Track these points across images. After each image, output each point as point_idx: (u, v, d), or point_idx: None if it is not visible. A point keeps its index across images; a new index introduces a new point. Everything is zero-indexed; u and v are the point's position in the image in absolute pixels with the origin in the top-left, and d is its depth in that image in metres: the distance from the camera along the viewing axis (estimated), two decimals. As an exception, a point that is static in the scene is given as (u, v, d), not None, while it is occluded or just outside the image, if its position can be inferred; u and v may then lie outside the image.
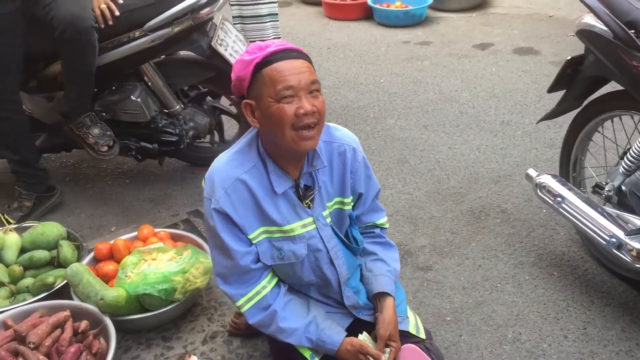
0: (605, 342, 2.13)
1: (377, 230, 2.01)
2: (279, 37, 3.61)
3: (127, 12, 2.70)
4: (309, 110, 1.59)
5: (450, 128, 3.73)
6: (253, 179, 1.73)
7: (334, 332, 1.77)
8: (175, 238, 2.60)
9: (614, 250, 2.16)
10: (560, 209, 2.37)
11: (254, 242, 1.76)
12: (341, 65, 4.87)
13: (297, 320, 1.77)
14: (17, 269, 2.47)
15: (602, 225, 2.21)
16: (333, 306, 1.94)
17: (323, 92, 4.51)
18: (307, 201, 1.79)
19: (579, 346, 2.12)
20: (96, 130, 2.88)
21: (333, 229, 1.86)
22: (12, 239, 2.56)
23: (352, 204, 1.91)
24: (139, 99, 2.92)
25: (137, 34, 2.73)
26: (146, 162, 3.34)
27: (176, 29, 2.76)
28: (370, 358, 1.74)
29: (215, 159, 1.79)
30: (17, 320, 2.15)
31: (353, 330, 1.95)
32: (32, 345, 2.02)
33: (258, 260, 1.79)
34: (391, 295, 1.85)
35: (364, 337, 1.83)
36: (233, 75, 1.68)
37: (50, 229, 2.61)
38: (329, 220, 1.84)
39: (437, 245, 2.70)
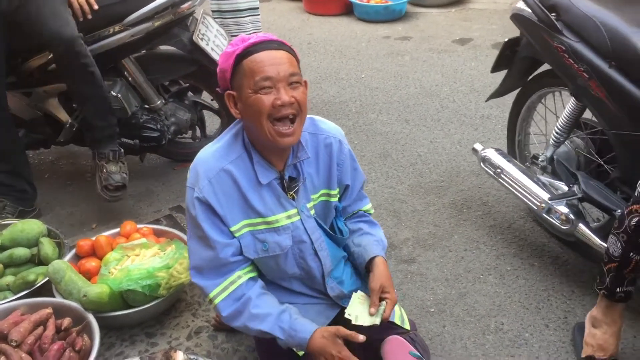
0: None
1: (361, 212, 2.04)
2: (259, 31, 3.59)
3: (107, 6, 2.67)
4: (287, 101, 1.60)
5: (432, 122, 3.75)
6: (238, 169, 1.73)
7: (307, 321, 1.76)
8: (158, 234, 2.58)
9: (544, 215, 2.37)
10: (500, 179, 2.57)
11: (236, 234, 1.76)
12: (322, 60, 4.87)
13: (270, 308, 1.76)
14: (-3, 267, 2.44)
15: (534, 192, 2.41)
16: (317, 297, 1.95)
17: (304, 87, 4.45)
18: (291, 193, 1.80)
19: (560, 335, 2.16)
20: (113, 168, 2.78)
21: (317, 221, 1.87)
22: (-9, 237, 2.53)
23: (338, 195, 1.92)
24: (119, 95, 2.88)
25: (116, 28, 2.70)
26: (127, 158, 3.30)
27: (157, 23, 2.74)
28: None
29: (201, 150, 1.80)
30: (-2, 318, 2.12)
31: (341, 323, 1.96)
32: (14, 344, 2.00)
33: (237, 253, 1.78)
34: (381, 256, 1.87)
35: (357, 296, 1.83)
36: (218, 68, 1.70)
37: (30, 226, 2.57)
38: (312, 212, 1.85)
39: (420, 238, 2.72)
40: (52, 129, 2.99)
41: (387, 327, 1.94)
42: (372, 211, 2.05)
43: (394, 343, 1.92)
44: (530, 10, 2.33)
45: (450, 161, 3.30)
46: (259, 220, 1.77)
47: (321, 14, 6.01)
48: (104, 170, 2.78)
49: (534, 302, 2.31)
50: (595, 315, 2.02)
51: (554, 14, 2.24)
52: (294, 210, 1.80)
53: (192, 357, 1.88)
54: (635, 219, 1.82)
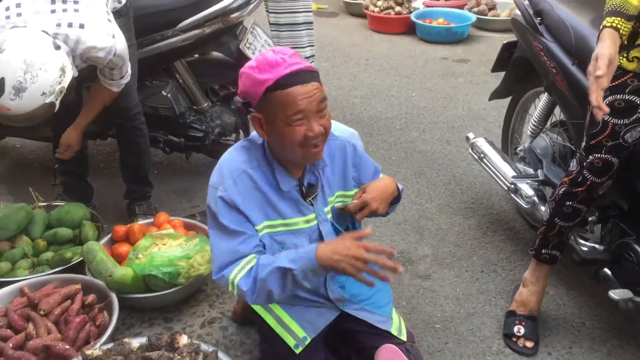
0: (588, 362, 2.16)
1: None
2: (313, 46, 3.72)
3: (163, 12, 2.88)
4: (318, 133, 1.68)
5: (473, 145, 3.77)
6: (258, 175, 1.80)
7: (307, 251, 1.74)
8: (188, 227, 2.74)
9: (512, 195, 2.66)
10: (482, 163, 2.91)
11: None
12: (376, 77, 4.96)
13: (274, 256, 1.78)
14: (41, 243, 2.66)
15: (505, 173, 2.74)
16: (319, 301, 2.02)
17: (354, 102, 4.66)
18: (309, 199, 1.88)
19: (561, 364, 2.15)
20: (140, 219, 2.91)
21: (332, 224, 1.95)
22: (40, 215, 2.76)
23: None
24: (169, 95, 3.09)
25: (170, 32, 2.91)
26: (175, 155, 3.51)
27: (207, 30, 2.93)
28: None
29: (225, 153, 1.88)
30: (33, 289, 2.32)
31: (340, 328, 2.05)
32: (42, 312, 2.20)
33: (260, 247, 1.83)
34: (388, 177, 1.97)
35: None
36: (241, 87, 1.72)
37: (76, 209, 2.80)
38: (329, 216, 1.93)
39: (439, 255, 2.76)
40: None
41: (383, 337, 2.00)
42: None
43: (388, 351, 1.97)
44: (521, 15, 2.62)
45: (484, 184, 3.32)
46: (278, 222, 1.85)
47: (384, 32, 6.09)
48: (133, 215, 3.00)
49: (541, 330, 2.30)
50: (525, 275, 2.34)
51: (538, 18, 2.51)
52: (312, 215, 1.88)
53: (195, 342, 2.00)
54: (563, 189, 2.13)
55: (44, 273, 2.45)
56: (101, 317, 2.23)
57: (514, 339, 2.24)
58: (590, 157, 2.02)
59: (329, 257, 1.66)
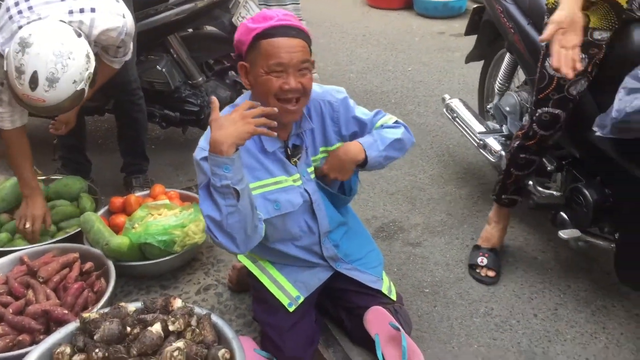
0: (572, 323, 2.21)
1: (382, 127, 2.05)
2: (301, 20, 3.74)
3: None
4: (293, 87, 1.73)
5: (467, 117, 3.80)
6: None
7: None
8: (183, 198, 2.79)
9: (481, 150, 2.84)
10: (455, 122, 3.09)
11: None
12: (373, 51, 4.98)
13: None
14: (41, 215, 2.71)
15: (474, 129, 2.91)
16: (312, 261, 2.07)
17: (350, 76, 4.69)
18: (294, 159, 1.93)
19: (546, 325, 2.21)
20: (137, 191, 2.95)
21: (317, 183, 1.99)
22: (39, 188, 2.81)
23: None
24: (164, 69, 3.13)
25: (163, 7, 2.94)
26: (171, 130, 3.56)
27: (200, 4, 2.96)
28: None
29: None
30: (33, 258, 2.38)
31: (332, 288, 2.11)
32: (41, 280, 2.26)
33: None
34: (357, 142, 1.95)
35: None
36: (236, 37, 1.81)
37: (74, 182, 2.86)
38: (312, 176, 1.98)
39: (431, 224, 2.81)
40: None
41: (373, 296, 2.07)
42: (390, 121, 2.06)
43: (376, 313, 2.04)
44: None
45: (476, 156, 3.34)
46: (269, 181, 1.89)
47: (382, 8, 6.10)
48: (130, 188, 3.05)
49: (528, 293, 2.36)
50: (490, 215, 2.57)
51: None
52: (297, 175, 1.94)
53: (189, 305, 2.06)
54: (517, 142, 2.32)
55: (43, 243, 2.51)
56: (98, 284, 2.29)
57: (478, 269, 2.46)
58: (539, 110, 2.18)
59: (224, 133, 1.58)
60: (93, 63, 2.25)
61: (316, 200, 1.98)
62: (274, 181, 1.90)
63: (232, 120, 1.60)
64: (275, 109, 1.68)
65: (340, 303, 2.16)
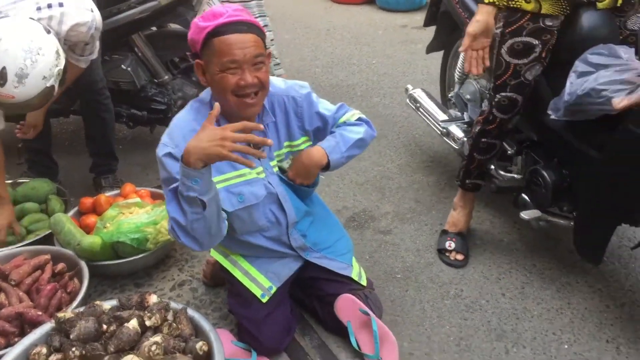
0: (539, 300, 2.29)
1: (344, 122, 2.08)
2: (265, 16, 3.76)
3: (119, -15, 2.90)
4: (250, 82, 1.75)
5: (432, 107, 3.87)
6: None
7: None
8: (154, 196, 2.79)
9: (445, 139, 2.93)
10: (419, 112, 3.18)
11: None
12: (337, 46, 5.02)
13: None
14: (9, 218, 2.69)
15: (437, 118, 3.01)
16: (282, 251, 2.11)
17: (316, 71, 4.71)
18: None
19: (514, 303, 2.28)
20: (107, 191, 2.93)
21: (280, 177, 2.02)
22: (6, 192, 2.78)
23: (305, 143, 2.04)
24: (129, 68, 3.12)
25: (125, 5, 2.93)
26: (139, 130, 3.55)
27: (163, 2, 2.95)
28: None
29: (175, 117, 1.91)
30: (3, 262, 2.36)
31: (303, 277, 2.15)
32: (13, 283, 2.24)
33: None
34: (319, 147, 1.99)
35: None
36: (189, 36, 1.82)
37: (41, 184, 2.84)
38: (276, 169, 2.01)
39: (400, 212, 2.87)
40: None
41: (344, 283, 2.11)
42: (353, 118, 2.09)
43: (346, 300, 2.08)
44: None
45: (442, 144, 3.41)
46: (232, 174, 1.91)
47: (344, 3, 6.16)
48: (100, 188, 3.04)
49: (495, 274, 2.44)
50: (455, 200, 2.65)
51: None
52: (260, 168, 1.96)
53: (165, 301, 2.08)
54: (478, 127, 2.41)
55: (14, 246, 2.49)
56: (72, 284, 2.28)
57: (447, 254, 2.54)
58: (498, 96, 2.27)
59: (197, 145, 1.57)
60: (63, 60, 2.24)
61: (281, 192, 2.01)
62: (237, 174, 1.92)
63: (211, 136, 1.57)
64: (261, 126, 1.67)
65: (313, 292, 2.20)
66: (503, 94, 2.25)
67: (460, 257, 2.51)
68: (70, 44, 2.45)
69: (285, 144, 2.02)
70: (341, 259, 2.14)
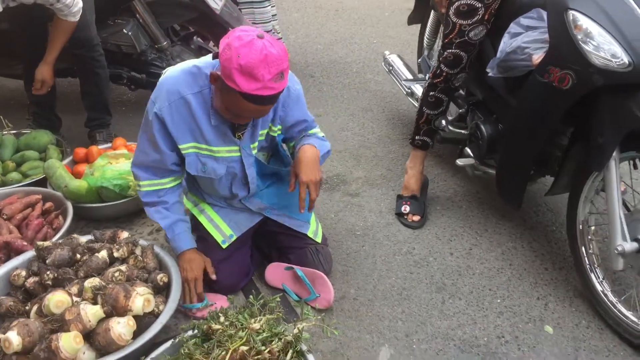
0: (482, 261, 2.45)
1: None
2: (273, 6, 3.95)
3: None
4: (248, 121, 1.99)
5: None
6: (197, 102, 1.97)
7: (190, 239, 2.20)
8: (143, 151, 3.01)
9: (410, 98, 3.25)
10: (391, 75, 3.49)
11: (183, 151, 2.06)
12: (342, 25, 5.18)
13: (173, 214, 2.17)
14: (10, 164, 2.94)
15: (403, 77, 3.33)
16: (240, 208, 2.31)
17: (317, 47, 4.88)
18: (239, 133, 2.07)
19: (459, 262, 2.44)
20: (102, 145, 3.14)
21: (257, 160, 2.18)
22: (9, 140, 3.04)
23: (279, 131, 2.18)
24: (130, 33, 3.34)
25: (127, -28, 3.13)
26: (140, 93, 3.76)
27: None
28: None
29: (172, 67, 2.04)
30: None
31: (266, 230, 2.35)
32: (5, 217, 2.49)
33: (177, 164, 2.12)
34: (311, 144, 2.13)
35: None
36: (220, 56, 1.79)
37: (42, 135, 3.08)
38: (255, 151, 2.15)
39: (371, 178, 3.04)
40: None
41: (299, 239, 2.30)
42: (320, 134, 2.24)
43: (271, 269, 2.33)
44: None
45: (424, 119, 3.57)
46: (204, 146, 2.06)
47: (357, -15, 6.27)
48: (94, 142, 3.23)
49: (448, 235, 2.60)
50: (407, 164, 2.83)
51: None
52: (236, 147, 2.09)
53: (134, 236, 2.30)
54: (428, 82, 2.64)
55: (10, 186, 2.73)
56: (57, 221, 2.52)
57: (405, 217, 2.70)
58: (445, 52, 2.51)
59: (183, 261, 2.16)
60: None
61: (250, 174, 2.18)
62: (208, 148, 2.07)
63: (194, 269, 2.15)
64: (214, 276, 2.19)
65: (273, 243, 2.39)
66: (449, 50, 2.48)
67: (416, 218, 2.67)
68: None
69: (270, 125, 2.14)
70: (299, 217, 2.32)
